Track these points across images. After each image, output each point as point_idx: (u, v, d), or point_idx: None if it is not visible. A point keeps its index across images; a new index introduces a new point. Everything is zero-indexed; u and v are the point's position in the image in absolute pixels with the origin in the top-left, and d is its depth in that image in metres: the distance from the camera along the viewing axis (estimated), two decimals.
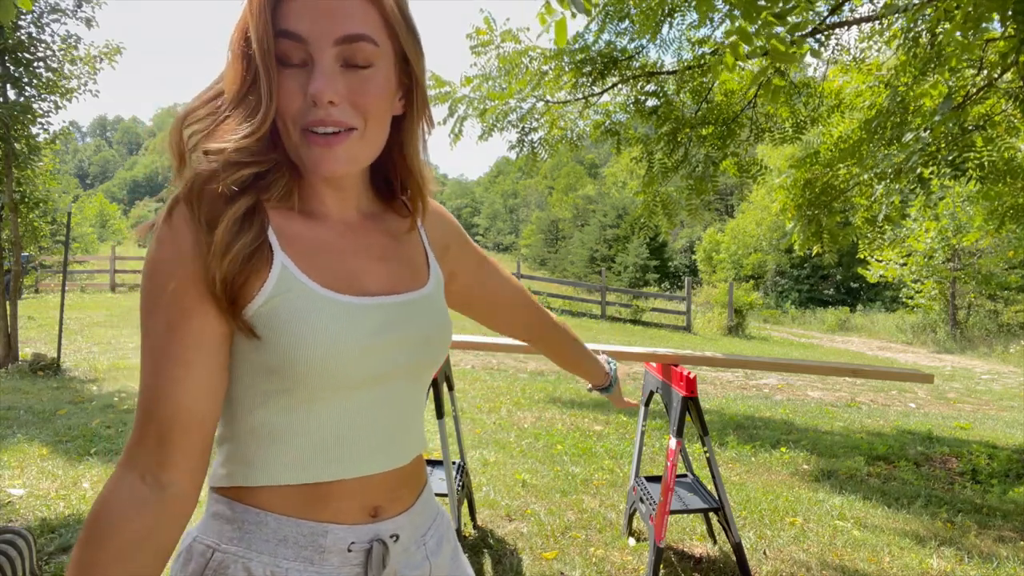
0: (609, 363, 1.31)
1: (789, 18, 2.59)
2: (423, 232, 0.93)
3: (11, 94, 6.76)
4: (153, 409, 0.68)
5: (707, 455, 2.69)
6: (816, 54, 4.53)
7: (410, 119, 0.82)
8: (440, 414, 2.81)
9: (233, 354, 0.74)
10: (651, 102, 5.56)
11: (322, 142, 0.72)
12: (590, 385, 1.32)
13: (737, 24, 2.65)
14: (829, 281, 29.33)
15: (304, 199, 0.80)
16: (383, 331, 0.78)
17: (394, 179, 0.88)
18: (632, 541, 3.08)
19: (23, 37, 6.61)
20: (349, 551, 0.77)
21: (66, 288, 7.47)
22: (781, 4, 2.54)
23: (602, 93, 5.63)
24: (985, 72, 4.69)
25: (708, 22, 4.65)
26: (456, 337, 2.82)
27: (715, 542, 3.10)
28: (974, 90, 4.67)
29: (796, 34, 2.76)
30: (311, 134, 0.72)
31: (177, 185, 0.74)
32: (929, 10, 4.06)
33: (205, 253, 0.69)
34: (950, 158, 4.06)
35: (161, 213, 0.72)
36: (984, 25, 3.16)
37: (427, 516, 0.88)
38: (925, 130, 3.98)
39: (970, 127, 4.34)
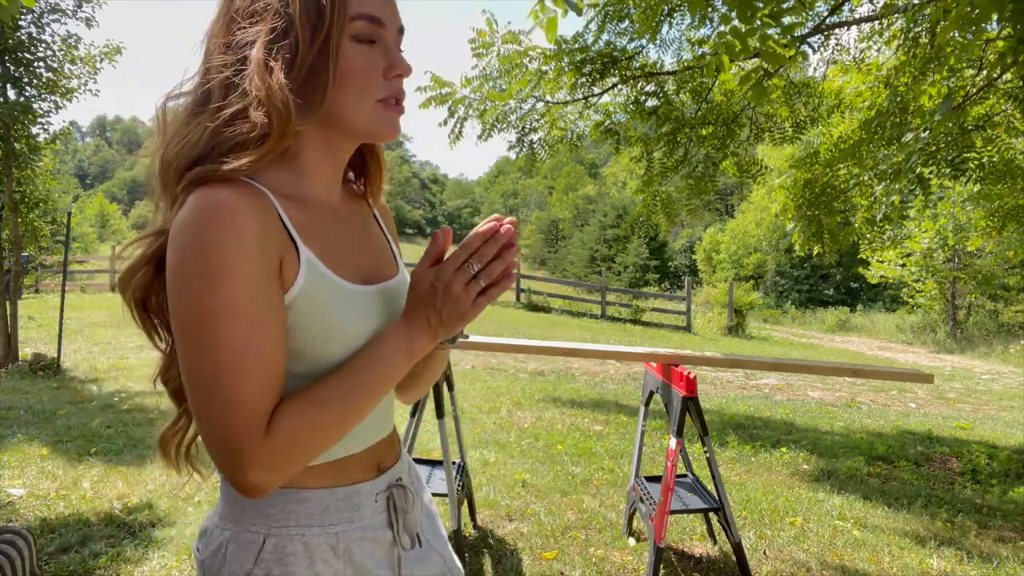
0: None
1: (784, 19, 2.59)
2: (383, 224, 1.00)
3: (11, 94, 6.76)
4: (235, 388, 0.69)
5: (707, 455, 2.69)
6: (803, 56, 4.51)
7: None
8: (440, 414, 2.81)
9: None
10: (651, 102, 5.56)
11: (397, 110, 0.82)
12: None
13: (732, 24, 2.65)
14: (829, 281, 29.33)
15: (306, 182, 0.84)
16: (380, 316, 0.85)
17: (360, 160, 0.96)
18: (632, 541, 3.09)
19: (23, 37, 6.61)
20: (376, 501, 0.89)
21: (66, 288, 7.47)
22: (774, 5, 2.54)
23: (602, 93, 5.63)
24: (985, 72, 4.69)
25: (708, 22, 4.65)
26: None
27: (715, 542, 3.10)
28: (974, 90, 4.67)
29: (793, 34, 2.77)
30: (390, 103, 0.81)
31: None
32: (929, 10, 4.06)
33: (263, 238, 0.72)
34: (950, 158, 4.06)
35: (208, 191, 0.72)
36: (983, 25, 3.16)
37: (406, 462, 1.00)
38: (925, 130, 3.98)
39: (970, 127, 4.34)
